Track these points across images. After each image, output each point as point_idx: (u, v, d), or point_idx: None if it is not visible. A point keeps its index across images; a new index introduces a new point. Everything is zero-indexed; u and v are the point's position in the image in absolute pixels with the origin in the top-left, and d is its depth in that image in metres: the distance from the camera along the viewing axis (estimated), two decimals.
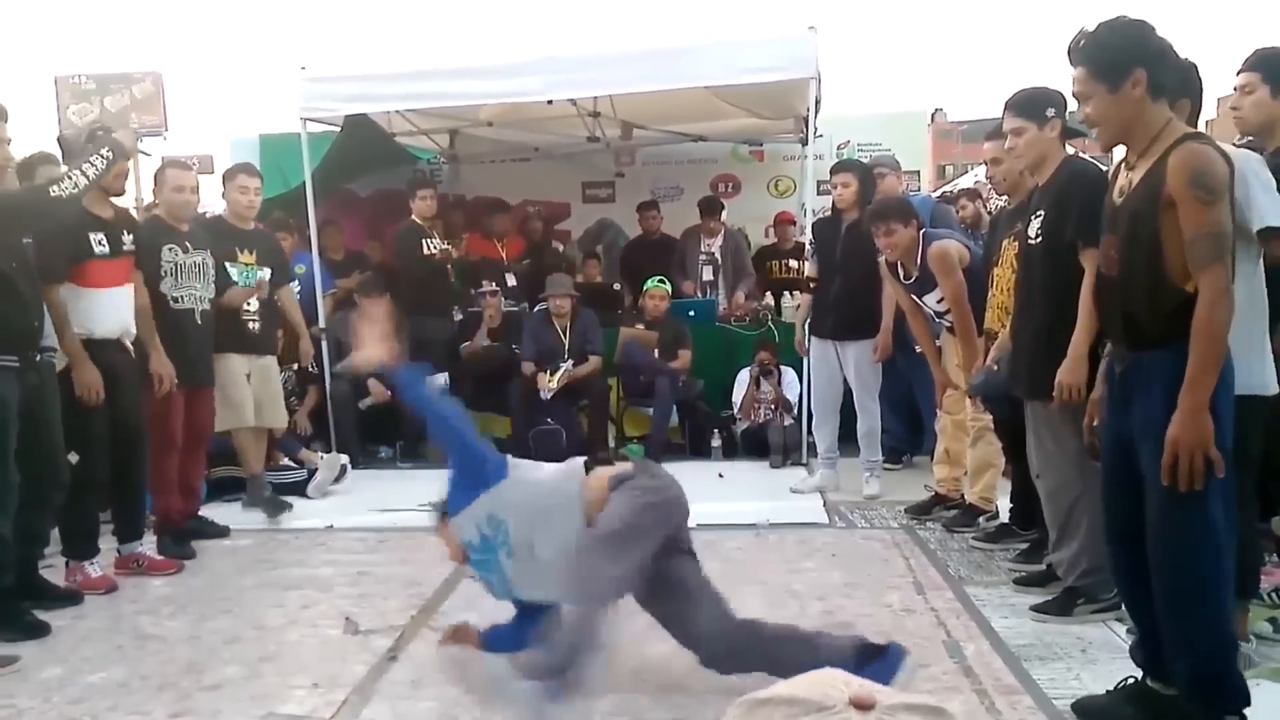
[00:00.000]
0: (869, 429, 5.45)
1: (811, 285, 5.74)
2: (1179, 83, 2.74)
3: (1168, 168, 2.42)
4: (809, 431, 6.04)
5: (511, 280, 7.68)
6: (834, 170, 5.56)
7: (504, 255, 8.09)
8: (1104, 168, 3.51)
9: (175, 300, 4.69)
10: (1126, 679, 2.78)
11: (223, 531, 4.98)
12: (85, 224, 4.10)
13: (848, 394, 5.52)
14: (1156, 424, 2.44)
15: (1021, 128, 3.55)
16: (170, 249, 4.71)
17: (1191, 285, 2.40)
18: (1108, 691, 2.79)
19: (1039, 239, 3.49)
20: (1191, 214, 2.37)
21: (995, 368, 3.92)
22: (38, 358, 3.74)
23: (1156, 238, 2.44)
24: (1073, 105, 2.97)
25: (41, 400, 3.74)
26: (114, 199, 4.40)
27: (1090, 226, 3.34)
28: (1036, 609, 3.58)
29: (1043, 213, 3.49)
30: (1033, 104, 3.55)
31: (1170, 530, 2.47)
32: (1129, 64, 2.49)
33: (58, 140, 3.91)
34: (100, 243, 4.15)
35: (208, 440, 5.05)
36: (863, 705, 0.81)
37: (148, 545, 4.52)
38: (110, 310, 4.19)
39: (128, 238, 4.33)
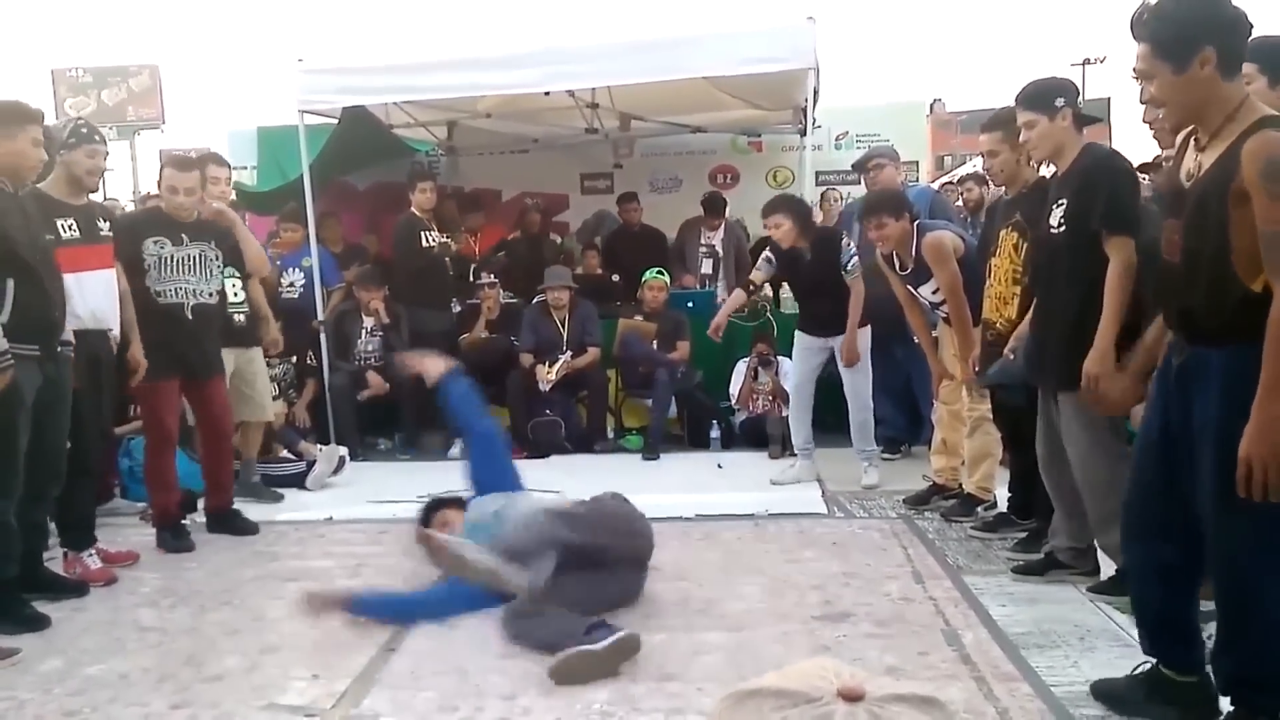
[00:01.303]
0: (862, 420, 5.46)
1: (750, 289, 5.73)
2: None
3: (1242, 154, 2.21)
4: None
5: None
6: (765, 213, 5.44)
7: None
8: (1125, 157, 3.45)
9: (159, 295, 4.58)
10: (1143, 663, 2.75)
11: (253, 528, 4.84)
12: (52, 211, 3.99)
13: (841, 386, 5.52)
14: (1213, 424, 2.31)
15: (1032, 120, 3.51)
16: (157, 242, 4.59)
17: (1259, 284, 2.21)
18: (1126, 675, 2.77)
19: (1061, 228, 3.41)
20: (1264, 208, 2.17)
21: (1011, 357, 3.89)
22: (57, 349, 3.75)
23: (1224, 228, 2.25)
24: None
25: (58, 391, 3.76)
26: (90, 192, 4.28)
27: (1116, 215, 3.27)
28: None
29: (1065, 201, 3.41)
30: (1041, 96, 3.52)
31: (1226, 533, 2.37)
32: (1197, 41, 2.27)
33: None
34: (69, 228, 4.03)
35: (229, 434, 4.95)
36: (851, 696, 0.81)
37: (147, 537, 4.55)
38: (84, 296, 4.05)
39: (104, 224, 4.23)
